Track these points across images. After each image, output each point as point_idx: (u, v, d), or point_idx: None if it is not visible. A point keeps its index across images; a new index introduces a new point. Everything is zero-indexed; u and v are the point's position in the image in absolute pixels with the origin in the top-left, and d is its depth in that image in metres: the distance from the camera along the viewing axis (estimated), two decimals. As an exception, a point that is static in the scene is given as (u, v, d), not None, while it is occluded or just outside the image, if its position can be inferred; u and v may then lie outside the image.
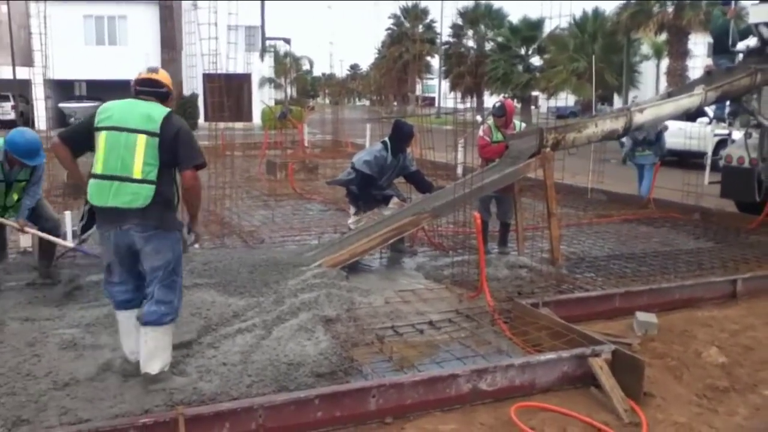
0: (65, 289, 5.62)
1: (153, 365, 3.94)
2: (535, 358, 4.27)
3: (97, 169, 3.87)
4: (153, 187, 3.81)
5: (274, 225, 9.29)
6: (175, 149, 3.85)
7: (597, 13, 30.20)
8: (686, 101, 8.09)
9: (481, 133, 7.46)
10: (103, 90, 34.66)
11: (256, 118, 34.31)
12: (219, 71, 10.55)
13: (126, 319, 4.13)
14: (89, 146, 3.98)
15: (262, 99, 31.71)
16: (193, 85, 26.51)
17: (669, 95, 8.85)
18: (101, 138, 3.89)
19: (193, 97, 30.99)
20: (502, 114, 7.33)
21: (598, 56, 25.45)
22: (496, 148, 7.25)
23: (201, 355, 4.34)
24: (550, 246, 6.62)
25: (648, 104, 8.10)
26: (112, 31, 34.68)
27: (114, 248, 3.97)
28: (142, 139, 3.81)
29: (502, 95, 34.77)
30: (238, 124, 25.05)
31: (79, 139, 4.05)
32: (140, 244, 3.89)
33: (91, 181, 3.89)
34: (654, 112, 7.76)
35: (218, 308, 5.04)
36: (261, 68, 37.13)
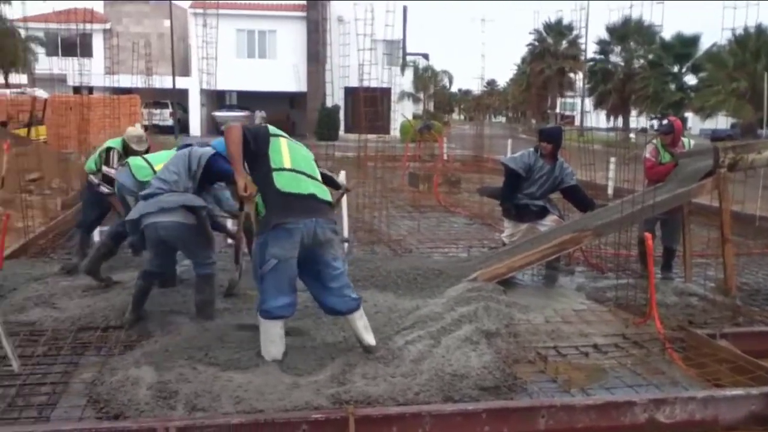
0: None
1: (371, 337, 4.43)
2: (720, 393, 3.95)
3: (286, 164, 4.27)
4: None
5: (421, 235, 9.31)
6: None
7: (760, 30, 27.99)
8: None
9: (647, 153, 7.00)
10: (252, 100, 36.55)
11: (393, 131, 34.83)
12: (364, 84, 10.76)
13: (281, 328, 4.31)
14: (258, 148, 4.24)
15: (402, 113, 32.07)
16: (335, 97, 27.23)
17: None
18: (281, 142, 4.35)
19: (335, 108, 31.96)
20: (669, 131, 6.89)
21: (762, 75, 23.60)
22: (664, 168, 6.81)
23: (364, 362, 4.29)
24: (724, 274, 6.12)
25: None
26: (262, 44, 36.38)
27: (299, 241, 4.15)
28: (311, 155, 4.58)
29: (650, 115, 33.17)
30: (376, 136, 25.43)
31: (258, 139, 4.25)
32: (328, 234, 4.26)
33: (284, 172, 4.22)
34: None
35: (383, 316, 5.08)
36: (401, 82, 37.63)
